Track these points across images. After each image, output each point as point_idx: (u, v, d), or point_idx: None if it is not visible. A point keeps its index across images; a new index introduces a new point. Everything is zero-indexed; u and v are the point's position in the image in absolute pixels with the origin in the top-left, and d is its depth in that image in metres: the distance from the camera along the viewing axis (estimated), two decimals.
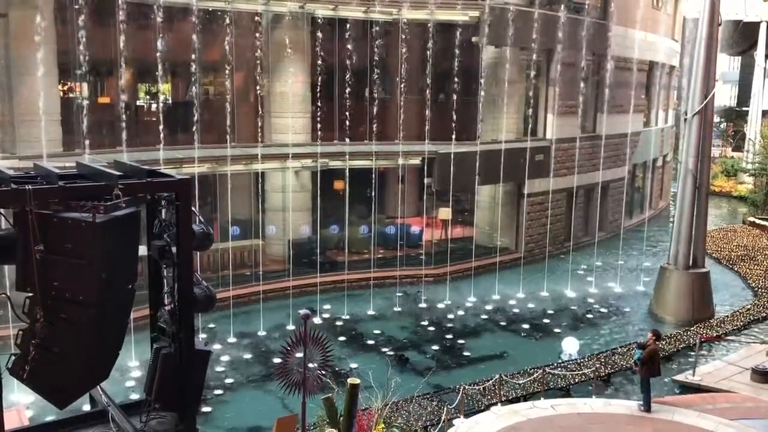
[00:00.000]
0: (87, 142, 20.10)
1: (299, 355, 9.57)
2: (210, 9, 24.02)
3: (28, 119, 19.84)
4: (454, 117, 26.24)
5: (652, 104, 39.78)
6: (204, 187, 23.00)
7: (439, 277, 25.71)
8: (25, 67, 19.69)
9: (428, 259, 26.54)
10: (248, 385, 17.56)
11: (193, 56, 22.33)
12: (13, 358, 6.36)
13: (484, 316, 23.02)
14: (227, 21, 23.98)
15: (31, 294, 6.13)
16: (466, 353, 19.97)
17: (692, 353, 18.90)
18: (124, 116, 21.20)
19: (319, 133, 24.86)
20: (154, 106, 25.92)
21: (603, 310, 24.09)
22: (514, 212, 29.64)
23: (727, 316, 22.81)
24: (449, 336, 21.13)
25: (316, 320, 21.28)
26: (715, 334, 21.06)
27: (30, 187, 5.97)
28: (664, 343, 19.82)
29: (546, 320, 22.76)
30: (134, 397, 14.02)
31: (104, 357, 6.83)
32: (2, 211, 6.28)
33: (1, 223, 6.43)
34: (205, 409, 15.63)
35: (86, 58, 20.37)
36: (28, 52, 19.57)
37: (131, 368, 16.86)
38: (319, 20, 25.23)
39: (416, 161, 26.67)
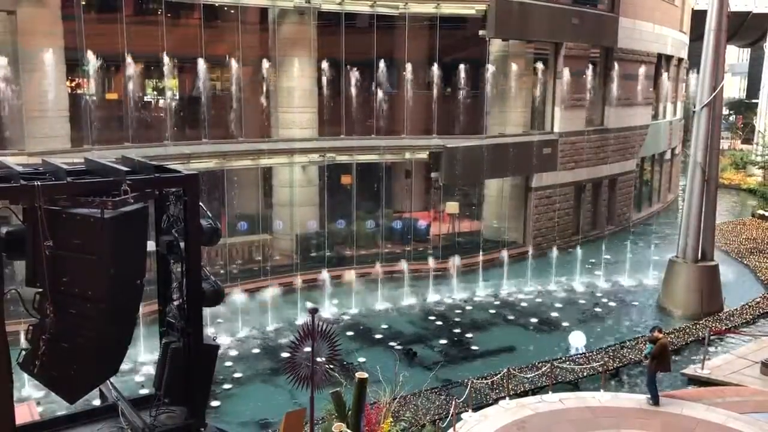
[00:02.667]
0: (94, 137, 20.17)
1: (307, 349, 9.58)
2: (217, 4, 24.04)
3: (36, 115, 19.93)
4: (461, 111, 26.18)
5: (660, 97, 39.58)
6: (212, 183, 23.08)
7: (447, 271, 25.70)
8: (33, 64, 19.77)
9: (436, 253, 26.52)
10: (257, 379, 17.62)
11: (200, 51, 22.35)
12: (23, 353, 6.41)
13: (492, 310, 22.99)
14: (234, 16, 23.99)
15: (40, 289, 6.18)
16: (474, 347, 19.96)
17: (701, 347, 18.82)
18: (131, 112, 21.28)
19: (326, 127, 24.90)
20: (161, 101, 25.97)
21: (611, 303, 24.03)
22: (522, 206, 29.58)
23: (737, 310, 22.70)
24: (457, 330, 21.12)
25: (324, 314, 21.31)
26: (724, 328, 20.97)
27: (39, 183, 6.02)
28: (672, 336, 19.78)
29: (554, 314, 22.73)
30: (144, 391, 14.08)
31: (114, 352, 6.88)
32: (12, 207, 6.31)
33: (10, 219, 6.46)
34: (214, 403, 15.70)
35: (93, 53, 20.45)
36: (36, 49, 19.65)
37: (141, 363, 16.95)
38: (325, 14, 25.23)
39: (423, 155, 26.63)
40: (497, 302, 23.72)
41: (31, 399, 14.36)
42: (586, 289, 25.26)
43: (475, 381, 15.78)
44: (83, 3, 21.09)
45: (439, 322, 21.76)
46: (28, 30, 19.62)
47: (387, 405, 12.60)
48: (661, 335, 15.25)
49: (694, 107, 23.29)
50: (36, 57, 19.67)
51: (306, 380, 9.51)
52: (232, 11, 24.32)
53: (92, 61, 20.59)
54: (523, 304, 23.67)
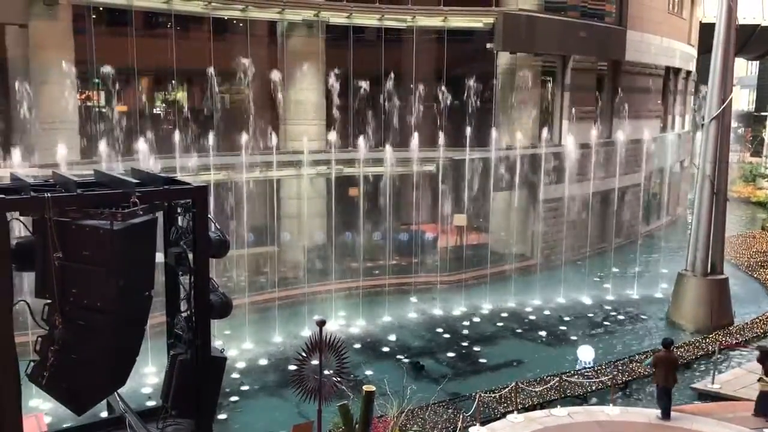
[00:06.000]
0: (104, 150, 20.29)
1: (315, 361, 9.56)
2: (226, 18, 24.19)
3: (47, 127, 20.07)
4: (469, 123, 26.21)
5: (668, 109, 39.49)
6: (220, 195, 23.14)
7: (455, 284, 25.62)
8: (44, 77, 19.94)
9: (443, 265, 26.45)
10: (264, 391, 17.58)
11: (209, 64, 22.51)
12: (32, 364, 6.43)
13: (500, 323, 22.89)
14: (243, 29, 24.15)
15: (49, 301, 6.20)
16: (481, 360, 19.87)
17: (711, 361, 18.67)
18: (141, 124, 21.40)
19: (334, 140, 24.95)
20: (171, 114, 26.13)
21: (620, 317, 23.88)
22: (530, 219, 29.52)
23: (747, 323, 22.52)
24: (465, 343, 21.03)
25: (331, 327, 21.27)
26: (734, 342, 20.80)
27: (49, 194, 6.05)
28: (682, 350, 19.63)
29: (562, 327, 22.60)
30: (151, 403, 14.06)
31: (122, 363, 6.88)
32: (22, 218, 6.35)
33: (20, 230, 6.50)
34: (221, 416, 15.67)
35: (104, 67, 20.63)
36: (47, 62, 19.83)
37: (148, 375, 16.94)
38: (334, 28, 25.37)
39: (431, 167, 26.64)
40: (505, 315, 23.62)
41: (39, 411, 14.36)
42: (595, 302, 25.13)
43: (482, 394, 15.68)
44: (94, 17, 21.28)
45: (446, 335, 21.68)
46: (40, 43, 19.80)
47: (394, 418, 12.55)
48: (661, 349, 15.14)
49: (703, 120, 23.24)
50: (47, 70, 19.84)
51: (313, 393, 9.48)
52: (241, 24, 24.48)
53: (103, 74, 20.77)
54: (531, 317, 23.55)
